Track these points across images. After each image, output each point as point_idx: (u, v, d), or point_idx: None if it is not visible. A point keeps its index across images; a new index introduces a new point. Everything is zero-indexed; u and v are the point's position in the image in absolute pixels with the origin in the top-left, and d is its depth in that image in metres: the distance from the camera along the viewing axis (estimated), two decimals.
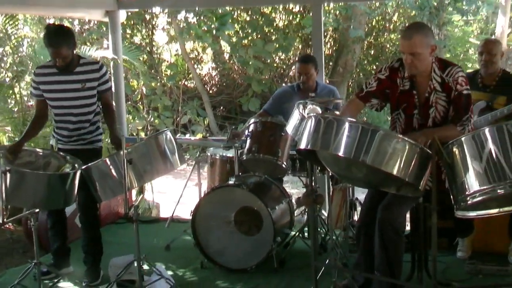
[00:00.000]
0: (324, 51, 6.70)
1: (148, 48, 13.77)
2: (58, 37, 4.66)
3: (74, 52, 4.83)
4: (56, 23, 5.21)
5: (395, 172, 3.40)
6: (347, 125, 3.45)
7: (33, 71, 5.17)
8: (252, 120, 5.24)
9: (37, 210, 4.53)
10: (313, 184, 4.24)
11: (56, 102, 4.90)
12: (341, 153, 3.46)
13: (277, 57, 13.98)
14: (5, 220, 4.24)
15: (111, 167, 4.46)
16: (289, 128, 4.73)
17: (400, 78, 4.15)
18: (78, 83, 4.81)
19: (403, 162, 3.40)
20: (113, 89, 7.24)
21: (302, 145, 3.69)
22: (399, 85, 4.15)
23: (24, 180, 4.27)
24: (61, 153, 4.88)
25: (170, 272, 5.16)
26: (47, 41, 4.66)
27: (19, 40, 7.06)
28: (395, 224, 3.94)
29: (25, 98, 7.31)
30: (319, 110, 4.95)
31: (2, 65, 9.32)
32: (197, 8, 11.35)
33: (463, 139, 3.35)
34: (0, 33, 7.51)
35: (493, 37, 11.08)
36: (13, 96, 7.71)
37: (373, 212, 4.08)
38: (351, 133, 3.42)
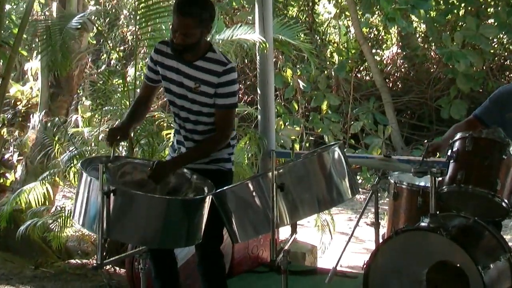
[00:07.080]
0: None
1: (306, 25, 13.83)
2: (192, 6, 4.73)
3: (204, 38, 4.89)
4: None
5: None
6: None
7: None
8: (459, 135, 5.14)
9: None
10: None
11: (169, 95, 5.04)
12: None
13: (496, 40, 13.63)
14: (104, 260, 4.29)
15: (254, 193, 4.49)
16: None
17: None
18: (192, 81, 4.91)
19: None
20: (258, 89, 7.44)
21: None
22: None
23: (133, 205, 4.35)
24: (185, 170, 4.94)
25: None
26: (176, 5, 4.77)
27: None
28: None
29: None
30: None
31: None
32: None
33: None
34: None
35: None
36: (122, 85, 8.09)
37: None
38: None
